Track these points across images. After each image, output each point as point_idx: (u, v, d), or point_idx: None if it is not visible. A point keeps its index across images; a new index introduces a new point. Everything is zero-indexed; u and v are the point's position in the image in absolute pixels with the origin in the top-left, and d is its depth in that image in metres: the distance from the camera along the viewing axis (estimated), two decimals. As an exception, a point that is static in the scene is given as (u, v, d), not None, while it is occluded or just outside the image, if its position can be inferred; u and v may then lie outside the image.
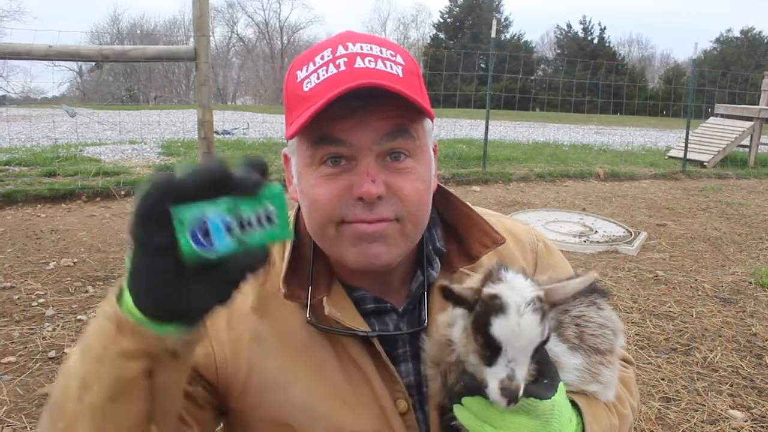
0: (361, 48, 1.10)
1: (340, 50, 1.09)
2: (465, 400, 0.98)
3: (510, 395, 0.90)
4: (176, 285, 0.79)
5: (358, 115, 1.07)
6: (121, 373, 0.87)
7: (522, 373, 0.90)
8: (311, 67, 1.10)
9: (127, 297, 0.85)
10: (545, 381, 0.98)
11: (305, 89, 1.08)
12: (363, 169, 1.08)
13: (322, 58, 1.09)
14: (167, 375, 0.91)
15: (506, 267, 0.97)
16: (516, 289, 0.91)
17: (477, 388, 0.95)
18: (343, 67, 1.06)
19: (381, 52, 1.11)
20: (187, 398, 1.15)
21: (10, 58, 5.91)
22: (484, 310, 0.91)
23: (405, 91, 1.04)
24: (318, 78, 1.07)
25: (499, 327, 0.89)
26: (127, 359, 0.86)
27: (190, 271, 0.78)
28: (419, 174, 1.13)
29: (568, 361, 1.05)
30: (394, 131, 1.09)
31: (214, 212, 0.76)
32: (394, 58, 1.11)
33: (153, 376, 0.89)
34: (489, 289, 0.93)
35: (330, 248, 1.17)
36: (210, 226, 0.76)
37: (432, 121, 1.19)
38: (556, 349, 1.04)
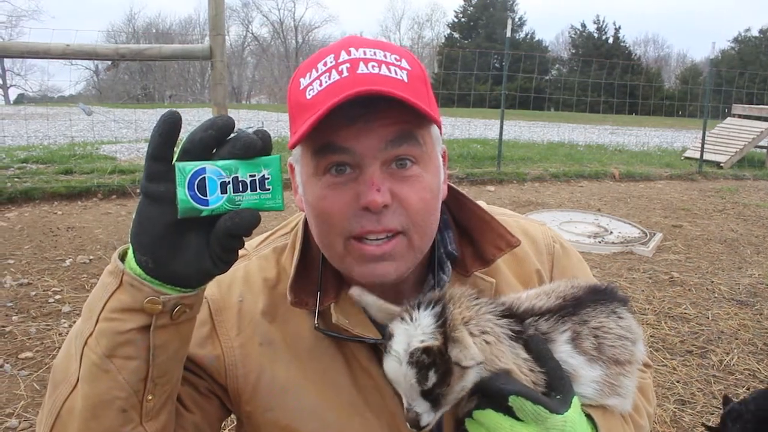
0: (365, 53, 1.06)
1: (343, 56, 1.06)
2: (476, 413, 0.97)
3: (409, 422, 0.96)
4: (171, 236, 0.88)
5: (362, 122, 1.04)
6: (119, 326, 0.92)
7: (421, 407, 0.94)
8: (314, 74, 1.07)
9: (130, 255, 0.92)
10: (558, 396, 0.97)
11: (308, 97, 1.05)
12: (368, 178, 1.05)
13: (325, 64, 1.06)
14: (165, 338, 0.95)
15: (424, 303, 0.98)
16: (408, 335, 0.94)
17: (494, 393, 0.94)
18: (345, 73, 1.03)
19: (385, 56, 1.07)
20: (189, 385, 1.16)
21: (28, 57, 5.97)
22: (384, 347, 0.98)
23: (408, 97, 1.01)
24: (321, 85, 1.04)
25: (385, 367, 0.96)
26: (123, 313, 0.92)
27: (184, 226, 0.87)
28: (426, 182, 1.10)
29: (586, 373, 1.02)
30: (398, 137, 1.06)
31: (212, 169, 0.85)
32: (398, 63, 1.07)
33: (151, 335, 0.93)
34: (392, 327, 0.98)
35: (338, 263, 1.15)
36: (207, 181, 0.84)
37: (439, 127, 1.16)
38: (573, 361, 1.01)
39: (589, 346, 1.03)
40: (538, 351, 0.99)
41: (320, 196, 1.09)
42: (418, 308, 0.97)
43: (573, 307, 1.06)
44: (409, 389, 0.93)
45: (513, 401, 0.92)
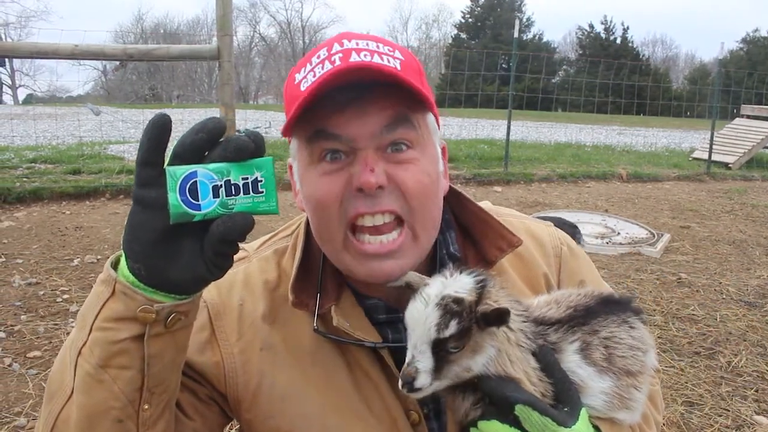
0: (357, 44, 1.06)
1: (336, 48, 1.06)
2: (481, 424, 0.95)
3: (404, 378, 0.91)
4: (163, 243, 0.86)
5: (353, 107, 1.04)
6: (112, 335, 0.91)
7: (423, 363, 0.91)
8: (308, 68, 1.07)
9: (123, 264, 0.91)
10: (565, 409, 0.95)
11: (302, 89, 1.05)
12: (361, 160, 1.04)
13: (318, 57, 1.07)
14: (160, 347, 0.93)
15: (468, 270, 0.97)
16: (444, 285, 0.93)
17: (499, 399, 0.93)
18: (338, 62, 1.03)
19: (378, 47, 1.07)
20: (188, 392, 1.15)
21: (37, 58, 6.01)
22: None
23: (400, 74, 1.00)
24: (314, 76, 1.04)
25: (409, 308, 0.94)
26: (117, 322, 0.90)
27: (177, 231, 0.85)
28: (423, 166, 1.09)
29: (595, 384, 1.00)
30: (393, 121, 1.05)
31: (204, 172, 0.83)
32: (391, 53, 1.07)
33: (145, 345, 0.91)
34: (430, 280, 0.97)
35: (337, 259, 1.14)
36: (199, 185, 0.83)
37: (435, 115, 1.15)
38: (582, 372, 1.00)
39: (599, 356, 1.01)
40: (546, 362, 0.98)
41: (316, 185, 1.08)
42: (461, 272, 0.96)
43: (584, 317, 1.04)
44: (423, 334, 0.91)
45: (519, 411, 0.91)
